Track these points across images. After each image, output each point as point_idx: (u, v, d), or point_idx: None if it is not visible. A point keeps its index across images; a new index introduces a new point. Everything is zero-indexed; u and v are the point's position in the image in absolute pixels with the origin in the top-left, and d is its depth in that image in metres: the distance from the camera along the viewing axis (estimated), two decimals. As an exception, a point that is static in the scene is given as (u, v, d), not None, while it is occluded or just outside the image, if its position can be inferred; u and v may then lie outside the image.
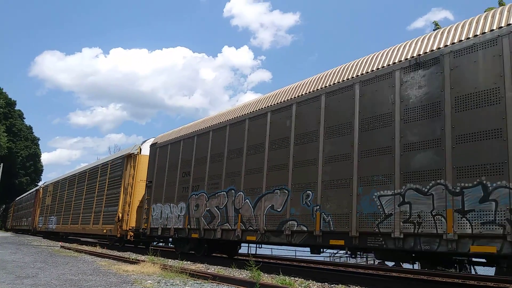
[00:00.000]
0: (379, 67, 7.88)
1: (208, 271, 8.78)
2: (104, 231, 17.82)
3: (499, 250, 5.66)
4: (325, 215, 8.13)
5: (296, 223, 8.74)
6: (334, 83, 8.72)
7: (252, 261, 7.55)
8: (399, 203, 6.89)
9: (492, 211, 5.74)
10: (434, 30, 9.52)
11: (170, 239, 14.83)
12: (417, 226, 6.59)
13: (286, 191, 9.13)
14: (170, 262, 10.55)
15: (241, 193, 10.47)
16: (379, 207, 7.19)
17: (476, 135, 6.12)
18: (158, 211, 13.99)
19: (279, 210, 9.23)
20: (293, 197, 8.94)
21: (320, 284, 7.47)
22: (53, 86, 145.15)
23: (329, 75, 9.14)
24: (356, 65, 8.57)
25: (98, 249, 15.23)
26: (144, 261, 10.24)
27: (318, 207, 8.29)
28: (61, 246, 17.19)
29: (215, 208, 11.31)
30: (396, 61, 7.59)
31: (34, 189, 36.67)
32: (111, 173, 18.44)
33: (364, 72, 8.14)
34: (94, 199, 19.85)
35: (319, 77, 9.47)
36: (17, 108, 63.25)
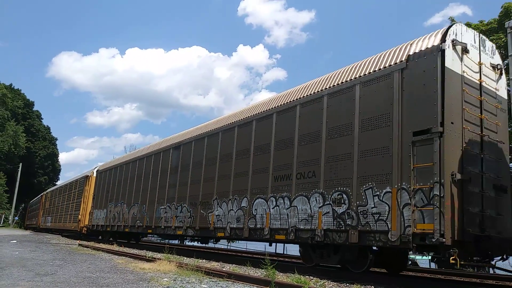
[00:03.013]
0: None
1: (224, 269, 8.91)
2: (72, 227, 26.24)
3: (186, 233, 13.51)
4: (148, 218, 16.11)
5: (139, 222, 16.76)
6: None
7: (268, 260, 7.50)
8: (176, 213, 14.75)
9: (210, 219, 13.62)
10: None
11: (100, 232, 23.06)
12: (181, 223, 14.39)
13: (138, 204, 17.17)
14: (186, 260, 11.06)
15: (125, 204, 18.56)
16: (164, 214, 15.11)
17: (209, 179, 14.01)
18: (95, 214, 22.23)
19: (135, 214, 17.27)
20: (140, 208, 16.98)
21: (335, 283, 7.49)
22: (70, 86, 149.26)
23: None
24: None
25: (115, 247, 15.90)
26: (160, 259, 10.53)
27: (146, 213, 16.29)
28: (79, 244, 17.78)
29: (116, 212, 19.45)
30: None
31: (40, 194, 45.71)
32: (78, 188, 26.85)
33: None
34: (69, 205, 28.33)
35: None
36: (35, 108, 64.13)
